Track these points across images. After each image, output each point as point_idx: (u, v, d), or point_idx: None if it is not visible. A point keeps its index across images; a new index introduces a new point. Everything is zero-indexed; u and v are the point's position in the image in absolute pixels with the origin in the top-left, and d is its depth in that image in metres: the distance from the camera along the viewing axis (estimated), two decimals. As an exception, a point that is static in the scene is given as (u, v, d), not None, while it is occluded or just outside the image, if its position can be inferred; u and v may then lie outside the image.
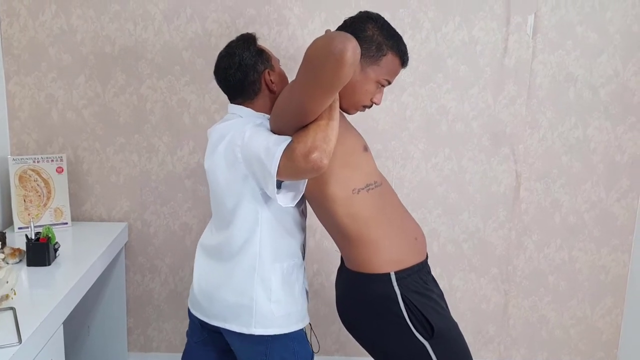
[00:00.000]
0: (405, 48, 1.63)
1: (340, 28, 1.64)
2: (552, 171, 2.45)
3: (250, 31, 2.27)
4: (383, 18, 1.63)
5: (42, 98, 2.37)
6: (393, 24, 2.28)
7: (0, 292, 1.51)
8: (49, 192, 2.32)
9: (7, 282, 1.51)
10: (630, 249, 2.52)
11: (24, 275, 1.84)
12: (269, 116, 1.61)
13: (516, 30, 2.34)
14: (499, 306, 2.57)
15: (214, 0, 2.30)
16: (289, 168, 1.42)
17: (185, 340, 2.59)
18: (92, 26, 2.32)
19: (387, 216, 1.63)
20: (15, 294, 1.60)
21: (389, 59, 1.59)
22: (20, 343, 1.39)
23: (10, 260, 1.91)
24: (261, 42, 2.30)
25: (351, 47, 1.30)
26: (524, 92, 2.38)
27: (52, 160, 2.32)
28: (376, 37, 1.57)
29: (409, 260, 1.63)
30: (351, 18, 1.64)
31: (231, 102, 1.69)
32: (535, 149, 2.43)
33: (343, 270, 1.73)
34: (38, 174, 2.30)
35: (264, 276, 1.60)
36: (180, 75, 2.35)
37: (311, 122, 1.45)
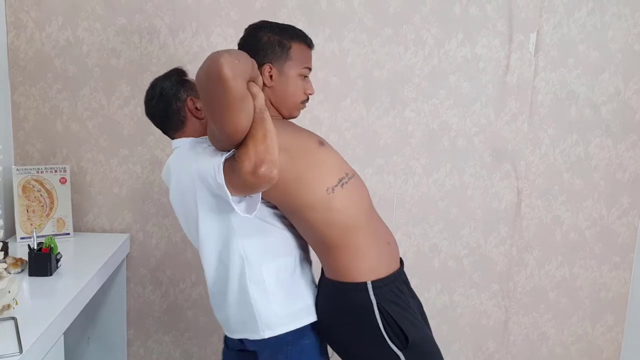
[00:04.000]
0: (303, 32, 1.65)
1: (239, 48, 1.64)
2: (554, 188, 2.46)
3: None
4: (268, 21, 1.65)
5: (47, 109, 2.39)
6: (396, 40, 2.35)
7: (2, 301, 1.51)
8: (52, 202, 2.33)
9: (9, 291, 1.52)
10: (631, 266, 2.52)
11: (25, 285, 1.85)
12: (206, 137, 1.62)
13: (518, 48, 2.36)
14: (500, 322, 2.57)
15: (219, 15, 2.32)
16: (239, 184, 1.43)
17: (186, 352, 2.60)
18: (98, 38, 2.34)
19: (365, 215, 1.62)
20: (17, 303, 1.60)
21: (295, 48, 1.60)
22: (21, 353, 1.39)
23: (13, 270, 1.91)
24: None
25: (226, 62, 1.31)
26: (525, 109, 2.40)
27: (56, 171, 2.33)
28: (272, 38, 1.59)
29: (385, 269, 1.63)
30: (242, 37, 1.65)
31: (169, 137, 1.73)
32: (537, 166, 2.44)
33: (322, 279, 1.72)
34: (41, 184, 2.31)
35: (257, 279, 1.59)
36: (185, 88, 2.37)
37: (247, 137, 1.43)
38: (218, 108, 1.39)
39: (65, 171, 2.34)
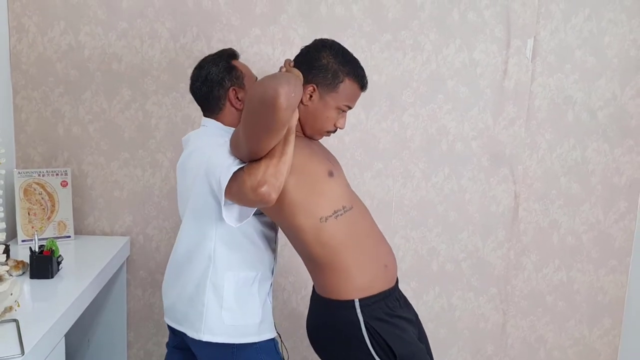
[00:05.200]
0: (363, 72, 1.65)
1: (297, 56, 1.67)
2: (551, 192, 2.48)
3: (254, 51, 2.34)
4: (338, 44, 1.66)
5: (49, 112, 2.40)
6: (395, 46, 2.36)
7: (4, 304, 1.53)
8: (53, 205, 2.35)
9: (11, 294, 1.53)
10: (628, 270, 2.54)
11: (27, 287, 1.86)
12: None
13: (516, 53, 2.38)
14: (497, 326, 2.58)
15: (220, 20, 2.34)
16: (238, 195, 1.47)
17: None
18: (100, 43, 2.36)
19: (358, 243, 1.64)
20: (18, 305, 1.61)
21: (347, 85, 1.62)
22: (23, 355, 1.41)
23: (14, 273, 1.93)
24: (265, 62, 2.35)
25: (284, 93, 1.34)
26: (523, 113, 2.42)
27: (57, 174, 2.35)
28: (331, 65, 1.60)
29: (376, 288, 1.65)
30: (307, 47, 1.67)
31: (204, 115, 1.75)
32: (534, 170, 2.46)
33: (313, 295, 1.76)
34: (43, 187, 2.32)
35: (217, 283, 1.62)
36: (186, 92, 2.38)
37: (265, 156, 1.48)
38: (258, 128, 1.42)
39: (66, 174, 2.36)
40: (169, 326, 1.78)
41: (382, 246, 1.73)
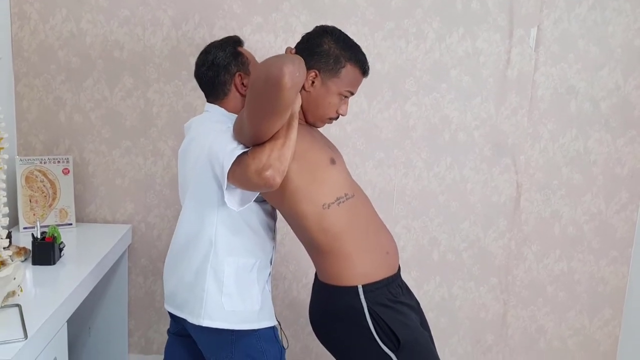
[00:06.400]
0: (364, 57, 1.65)
1: (299, 43, 1.67)
2: (553, 182, 2.48)
3: (256, 39, 2.33)
4: (339, 30, 1.66)
5: (50, 100, 2.40)
6: (398, 34, 2.35)
7: (7, 288, 1.53)
8: (55, 192, 2.35)
9: (15, 278, 1.53)
10: (629, 261, 2.54)
11: (29, 273, 1.87)
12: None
13: (519, 42, 2.37)
14: (498, 315, 2.59)
15: (222, 8, 2.34)
16: (242, 179, 1.47)
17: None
18: (102, 30, 2.35)
19: (359, 229, 1.65)
20: (21, 290, 1.62)
21: (349, 70, 1.62)
22: (26, 339, 1.41)
23: (16, 259, 1.93)
24: (267, 50, 2.35)
25: (288, 72, 1.34)
26: (525, 103, 2.41)
27: (59, 162, 2.35)
28: (333, 50, 1.60)
29: (378, 274, 1.65)
30: (308, 34, 1.67)
31: (207, 101, 1.75)
32: (536, 160, 2.46)
33: (315, 282, 1.76)
34: (44, 174, 2.32)
35: (217, 268, 1.62)
36: (187, 80, 2.38)
37: (268, 140, 1.48)
38: (262, 110, 1.42)
39: (68, 162, 2.36)
40: (170, 313, 1.78)
41: (383, 234, 1.73)
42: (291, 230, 1.72)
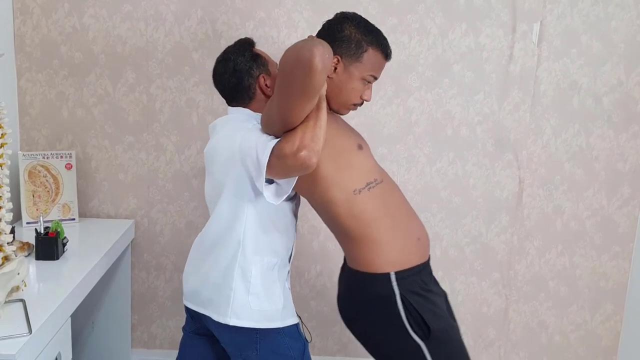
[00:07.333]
0: (386, 41, 1.65)
1: (320, 31, 1.67)
2: (555, 178, 2.48)
3: (259, 34, 2.33)
4: (360, 16, 1.66)
5: (53, 95, 2.40)
6: (400, 30, 2.35)
7: (12, 283, 1.53)
8: (58, 188, 2.35)
9: (19, 273, 1.54)
10: (631, 256, 2.55)
11: (32, 268, 1.87)
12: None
13: (522, 37, 2.37)
14: (500, 310, 2.59)
15: (225, 3, 2.33)
16: (279, 166, 1.47)
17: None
18: (104, 25, 2.35)
19: (390, 215, 1.64)
20: (25, 285, 1.62)
21: (371, 54, 1.61)
22: (31, 334, 1.42)
23: (19, 254, 1.93)
24: (270, 45, 2.34)
25: (318, 54, 1.34)
26: (528, 99, 2.41)
27: (62, 157, 2.35)
28: (354, 35, 1.60)
29: (410, 261, 1.65)
30: (328, 21, 1.67)
31: (230, 105, 1.74)
32: (539, 156, 2.46)
33: (345, 269, 1.75)
34: (47, 169, 2.33)
35: (245, 267, 1.62)
36: (190, 75, 2.38)
37: (299, 124, 1.47)
38: (293, 93, 1.41)
39: (70, 157, 2.36)
40: (188, 310, 1.77)
41: (413, 219, 1.72)
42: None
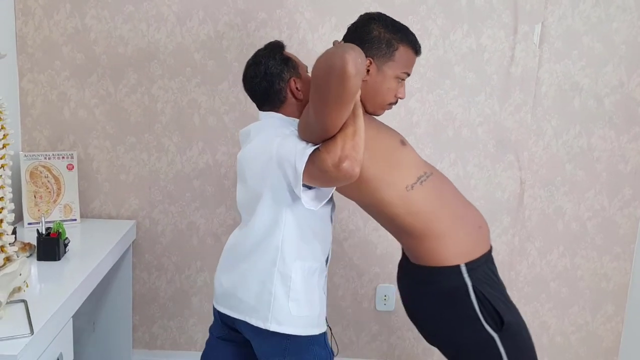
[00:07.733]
0: (414, 37, 1.65)
1: (346, 35, 1.66)
2: (556, 179, 2.48)
3: (261, 35, 2.33)
4: (385, 15, 1.65)
5: (55, 96, 2.40)
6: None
7: (13, 284, 1.53)
8: (59, 188, 2.35)
9: (20, 274, 1.54)
10: (632, 257, 2.55)
11: (34, 269, 1.87)
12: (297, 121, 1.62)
13: (523, 39, 2.37)
14: (501, 311, 2.59)
15: (226, 3, 2.33)
16: (320, 177, 1.45)
17: (190, 338, 2.63)
18: (106, 26, 2.35)
19: (448, 206, 1.63)
20: (27, 286, 1.62)
21: (402, 52, 1.61)
22: (32, 334, 1.42)
23: (21, 255, 1.94)
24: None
25: (351, 59, 1.32)
26: (529, 100, 2.41)
27: (63, 157, 2.35)
28: (383, 35, 1.59)
29: (477, 251, 1.63)
30: (354, 24, 1.66)
31: (260, 110, 1.72)
32: (540, 157, 2.46)
33: (407, 266, 1.72)
34: (49, 170, 2.33)
35: (285, 272, 1.60)
36: (192, 76, 2.38)
37: (338, 132, 1.45)
38: (329, 101, 1.40)
39: (72, 158, 2.36)
40: (219, 314, 1.75)
41: (470, 208, 1.70)
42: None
